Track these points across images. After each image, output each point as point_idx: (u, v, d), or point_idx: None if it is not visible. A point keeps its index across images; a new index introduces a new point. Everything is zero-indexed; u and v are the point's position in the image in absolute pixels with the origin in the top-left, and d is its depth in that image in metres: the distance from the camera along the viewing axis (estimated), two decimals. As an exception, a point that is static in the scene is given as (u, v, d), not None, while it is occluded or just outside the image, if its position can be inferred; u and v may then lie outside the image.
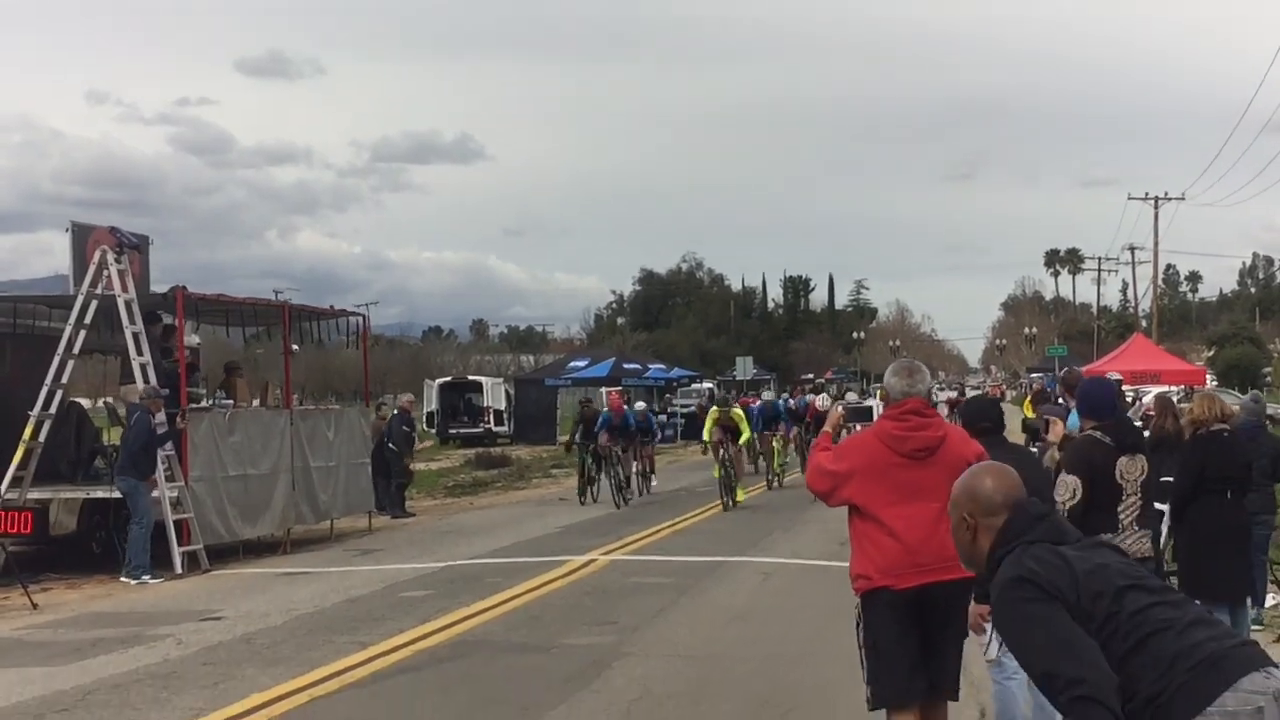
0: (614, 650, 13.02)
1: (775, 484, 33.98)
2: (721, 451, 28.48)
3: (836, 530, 21.31)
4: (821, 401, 37.76)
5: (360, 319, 27.56)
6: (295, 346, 27.07)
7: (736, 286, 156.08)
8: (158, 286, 22.06)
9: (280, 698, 11.22)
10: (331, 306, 26.72)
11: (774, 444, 34.92)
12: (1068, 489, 8.62)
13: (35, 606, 16.50)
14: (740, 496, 28.53)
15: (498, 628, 14.56)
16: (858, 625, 7.70)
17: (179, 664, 12.89)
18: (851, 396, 43.10)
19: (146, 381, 19.96)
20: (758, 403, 37.96)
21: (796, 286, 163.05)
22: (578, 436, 31.49)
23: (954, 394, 55.17)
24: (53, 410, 20.15)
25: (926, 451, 7.56)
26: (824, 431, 8.38)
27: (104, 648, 13.71)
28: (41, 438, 20.06)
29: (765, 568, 18.98)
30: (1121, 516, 8.90)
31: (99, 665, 12.84)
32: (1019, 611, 4.39)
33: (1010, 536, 4.66)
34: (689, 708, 10.75)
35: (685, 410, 64.01)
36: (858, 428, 23.83)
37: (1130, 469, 8.94)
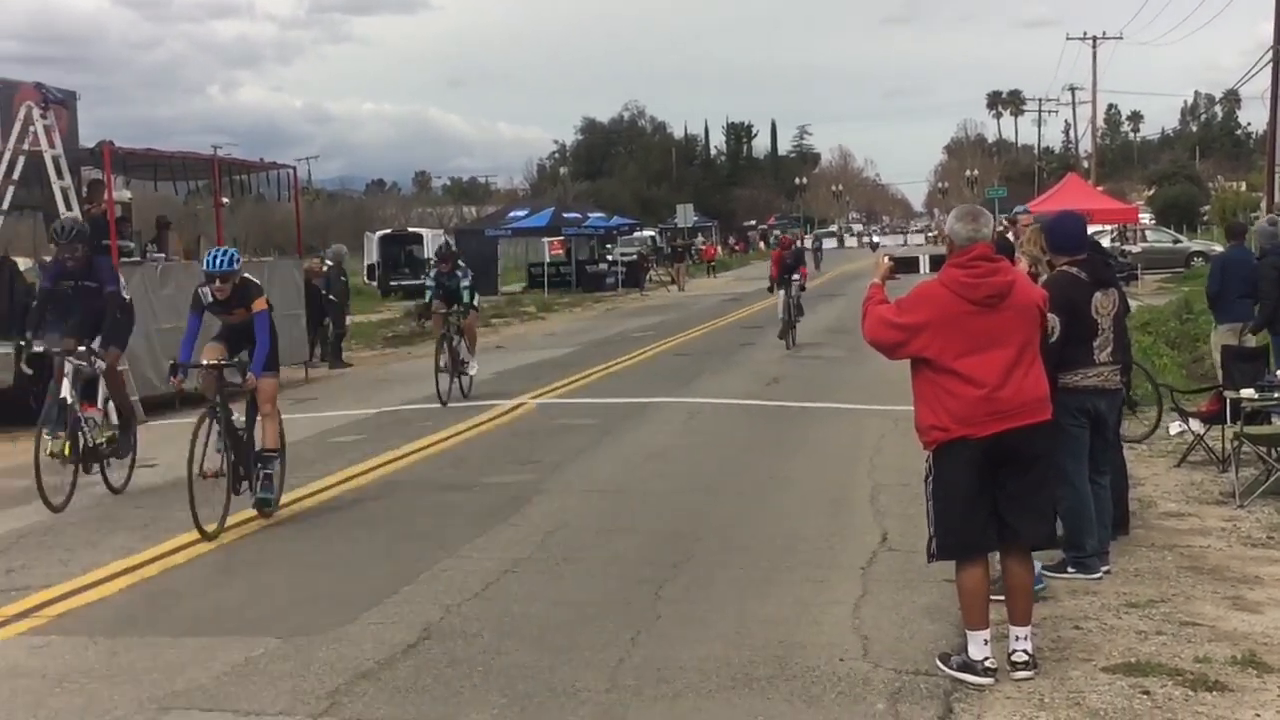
0: (534, 487, 13.46)
1: None
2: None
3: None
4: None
5: (291, 171, 27.64)
6: (226, 200, 27.16)
7: (679, 134, 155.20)
8: (90, 142, 22.09)
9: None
10: (262, 159, 26.74)
11: None
12: (1049, 325, 8.47)
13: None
14: None
15: (424, 469, 15.00)
16: (926, 479, 7.67)
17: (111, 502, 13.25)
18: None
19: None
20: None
21: (739, 133, 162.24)
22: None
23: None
24: (-16, 265, 20.23)
25: (998, 297, 7.45)
26: (873, 283, 8.04)
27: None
28: (-26, 293, 20.10)
29: (691, 407, 19.31)
30: (1095, 350, 9.34)
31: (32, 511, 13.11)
32: None
33: None
34: (601, 538, 11.22)
35: (626, 259, 64.19)
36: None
37: (1104, 304, 9.37)
